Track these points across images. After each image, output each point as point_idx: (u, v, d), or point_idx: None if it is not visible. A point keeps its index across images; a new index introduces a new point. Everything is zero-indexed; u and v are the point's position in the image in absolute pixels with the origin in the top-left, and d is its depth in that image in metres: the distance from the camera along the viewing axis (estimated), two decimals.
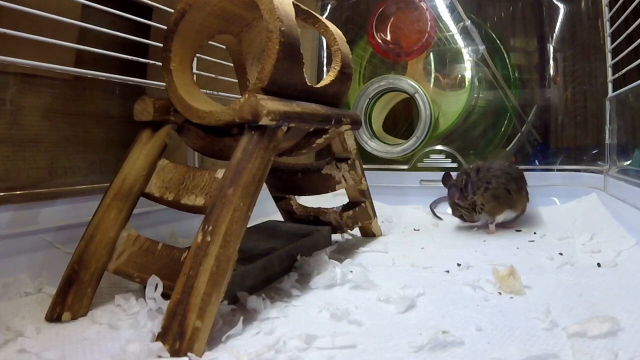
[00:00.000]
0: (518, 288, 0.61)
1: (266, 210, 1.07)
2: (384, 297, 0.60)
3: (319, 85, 0.71)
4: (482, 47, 1.34)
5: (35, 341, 0.49)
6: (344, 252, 0.85)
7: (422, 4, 1.37)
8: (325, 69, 1.53)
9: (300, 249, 0.76)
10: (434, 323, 0.52)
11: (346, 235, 0.98)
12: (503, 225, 1.03)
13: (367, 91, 1.41)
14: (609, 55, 1.13)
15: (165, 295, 0.52)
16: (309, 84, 0.67)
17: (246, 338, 0.50)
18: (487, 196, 0.98)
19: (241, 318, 0.52)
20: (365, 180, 0.94)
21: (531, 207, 1.15)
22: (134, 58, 0.86)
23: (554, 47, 1.32)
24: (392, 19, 1.41)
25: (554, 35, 1.31)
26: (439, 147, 1.37)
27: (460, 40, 1.36)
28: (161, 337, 0.46)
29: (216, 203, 0.51)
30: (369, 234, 0.98)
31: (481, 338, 0.48)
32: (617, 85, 1.10)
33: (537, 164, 1.31)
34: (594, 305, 0.56)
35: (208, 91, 1.02)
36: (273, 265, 0.69)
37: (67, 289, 0.56)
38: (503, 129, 1.35)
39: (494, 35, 1.35)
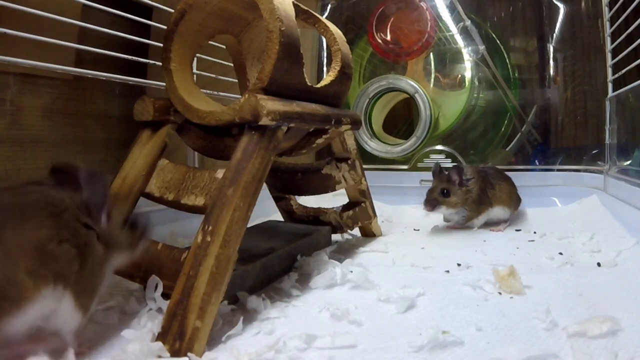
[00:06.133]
0: (518, 288, 0.61)
1: (266, 210, 1.07)
2: (384, 297, 0.60)
3: (319, 85, 0.71)
4: (482, 47, 1.34)
5: None
6: (344, 252, 0.85)
7: (422, 4, 1.37)
8: (325, 69, 1.53)
9: (300, 249, 0.75)
10: (434, 323, 0.52)
11: (346, 235, 0.98)
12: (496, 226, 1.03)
13: (367, 91, 1.41)
14: (609, 55, 1.13)
15: (165, 295, 0.52)
16: (309, 84, 0.67)
17: (246, 338, 0.50)
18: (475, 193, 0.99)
19: (241, 318, 0.52)
20: (365, 180, 0.94)
21: (531, 207, 1.15)
22: (134, 58, 0.86)
23: (554, 47, 1.32)
24: (392, 19, 1.41)
25: (554, 35, 1.31)
26: (439, 147, 1.37)
27: (460, 40, 1.36)
28: (161, 337, 0.46)
29: (216, 203, 0.51)
30: (369, 234, 0.98)
31: (481, 338, 0.48)
32: (617, 85, 1.10)
33: (537, 164, 1.31)
34: (594, 305, 0.56)
35: (208, 91, 1.02)
36: (273, 265, 0.69)
37: None
38: (503, 129, 1.35)
39: (494, 35, 1.35)
